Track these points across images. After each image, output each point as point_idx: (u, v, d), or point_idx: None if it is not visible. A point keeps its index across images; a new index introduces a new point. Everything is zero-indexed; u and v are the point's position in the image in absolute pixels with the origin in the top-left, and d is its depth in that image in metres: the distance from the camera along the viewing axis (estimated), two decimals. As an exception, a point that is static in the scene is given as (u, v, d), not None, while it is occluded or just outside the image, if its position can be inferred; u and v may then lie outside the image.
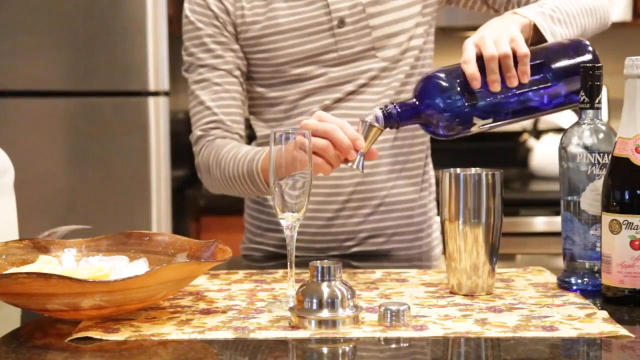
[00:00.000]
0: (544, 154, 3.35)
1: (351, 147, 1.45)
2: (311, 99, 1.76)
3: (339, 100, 1.76)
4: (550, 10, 1.61)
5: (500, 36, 1.49)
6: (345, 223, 1.80)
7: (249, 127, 1.83)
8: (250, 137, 1.89)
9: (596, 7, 1.71)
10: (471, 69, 1.47)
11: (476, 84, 1.47)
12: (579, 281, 1.45)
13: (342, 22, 1.74)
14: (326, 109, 1.74)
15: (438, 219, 1.71)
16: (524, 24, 1.57)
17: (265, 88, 1.79)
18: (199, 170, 1.79)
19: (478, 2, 1.84)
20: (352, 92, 1.76)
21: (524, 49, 1.49)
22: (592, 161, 1.43)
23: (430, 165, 1.89)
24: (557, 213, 2.98)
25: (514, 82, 1.48)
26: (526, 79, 1.49)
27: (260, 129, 1.83)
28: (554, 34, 1.59)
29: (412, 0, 1.78)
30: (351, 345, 1.20)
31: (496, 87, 1.48)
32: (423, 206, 1.86)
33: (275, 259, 1.81)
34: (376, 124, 1.48)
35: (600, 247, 1.40)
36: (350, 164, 1.47)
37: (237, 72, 1.78)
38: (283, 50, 1.74)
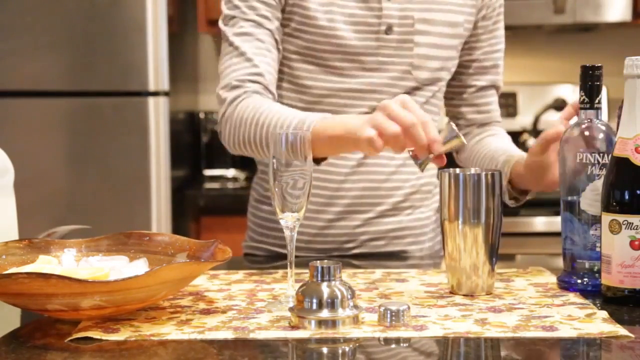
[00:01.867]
0: (544, 154, 3.34)
1: (425, 147, 1.42)
2: (333, 100, 1.75)
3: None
4: None
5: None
6: (347, 225, 1.80)
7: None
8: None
9: None
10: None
11: None
12: (579, 281, 1.45)
13: (389, 29, 1.73)
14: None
15: None
16: None
17: (296, 69, 1.76)
18: (227, 122, 1.68)
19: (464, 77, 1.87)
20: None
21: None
22: (592, 161, 1.43)
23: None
24: (557, 213, 2.98)
25: None
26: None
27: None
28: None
29: (455, 32, 1.78)
30: (351, 345, 1.20)
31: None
32: (427, 209, 1.86)
33: (277, 258, 1.81)
34: (462, 137, 1.44)
35: (600, 247, 1.40)
36: (416, 161, 1.45)
37: (278, 37, 1.73)
38: (326, 38, 1.72)
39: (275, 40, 1.73)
